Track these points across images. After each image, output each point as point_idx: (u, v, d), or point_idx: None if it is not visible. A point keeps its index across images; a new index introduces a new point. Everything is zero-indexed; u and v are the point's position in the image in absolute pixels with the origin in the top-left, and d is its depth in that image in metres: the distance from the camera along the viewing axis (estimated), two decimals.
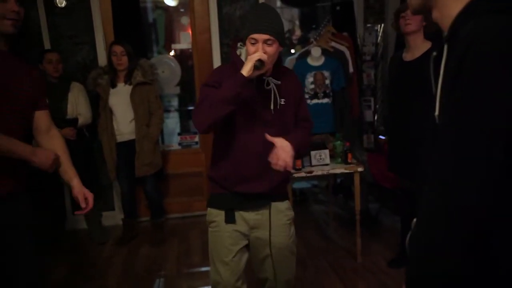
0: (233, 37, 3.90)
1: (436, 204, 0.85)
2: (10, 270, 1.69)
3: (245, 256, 1.88)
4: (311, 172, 2.88)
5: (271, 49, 1.65)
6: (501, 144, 0.77)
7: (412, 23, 2.56)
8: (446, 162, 0.84)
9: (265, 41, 1.64)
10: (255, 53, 1.63)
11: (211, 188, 1.88)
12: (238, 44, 1.83)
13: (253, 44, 1.66)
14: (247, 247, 1.88)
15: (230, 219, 1.82)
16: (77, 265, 3.27)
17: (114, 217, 4.01)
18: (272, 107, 1.76)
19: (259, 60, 1.61)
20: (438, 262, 0.82)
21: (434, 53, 0.99)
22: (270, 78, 1.75)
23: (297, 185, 4.64)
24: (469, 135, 0.79)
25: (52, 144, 1.82)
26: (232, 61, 1.82)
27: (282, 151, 1.64)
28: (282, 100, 1.78)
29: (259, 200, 1.82)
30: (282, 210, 1.88)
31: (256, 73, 1.65)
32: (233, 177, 1.79)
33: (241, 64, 1.71)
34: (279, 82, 1.77)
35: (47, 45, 3.71)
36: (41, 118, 1.80)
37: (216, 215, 1.84)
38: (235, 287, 1.85)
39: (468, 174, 0.79)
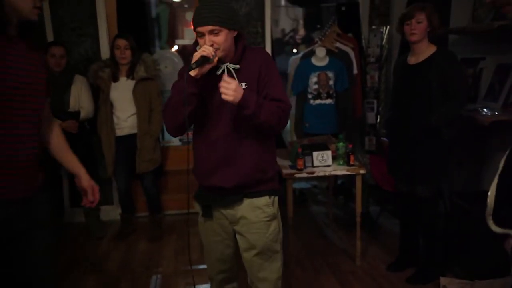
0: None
1: None
2: (29, 271, 1.64)
3: (230, 246, 1.90)
4: (312, 172, 2.86)
5: (219, 38, 1.61)
6: None
7: (417, 32, 2.55)
8: None
9: (210, 32, 1.61)
10: (203, 46, 1.61)
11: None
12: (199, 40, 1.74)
13: (200, 37, 1.64)
14: (234, 237, 1.89)
15: (206, 214, 1.86)
16: (74, 259, 3.25)
17: (112, 212, 3.99)
18: None
19: (202, 57, 1.58)
20: None
21: None
22: (227, 64, 1.70)
23: (296, 185, 4.62)
24: None
25: (53, 133, 1.76)
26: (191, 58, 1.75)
27: (235, 85, 1.57)
28: (243, 84, 1.68)
29: (230, 196, 1.78)
30: (259, 207, 1.79)
31: (206, 68, 1.62)
32: (200, 170, 1.80)
33: None
34: (238, 66, 1.70)
35: (49, 35, 3.68)
36: (47, 105, 1.73)
37: (199, 208, 1.91)
38: (218, 270, 1.93)
39: None
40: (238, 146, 1.72)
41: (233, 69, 1.70)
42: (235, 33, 1.68)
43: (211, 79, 1.68)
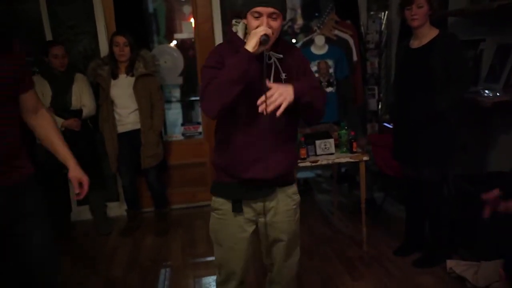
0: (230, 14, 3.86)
1: None
2: (29, 259, 1.70)
3: (252, 242, 1.88)
4: (316, 161, 2.87)
5: (276, 24, 1.58)
6: None
7: (418, 17, 2.53)
8: None
9: (269, 15, 1.57)
10: (259, 27, 1.55)
11: (217, 176, 1.82)
12: (233, 21, 1.77)
13: (256, 18, 1.58)
14: (255, 231, 1.87)
15: (237, 209, 1.77)
16: (82, 256, 3.28)
17: (118, 208, 4.02)
18: (271, 81, 1.65)
19: (265, 35, 1.53)
20: None
21: None
22: (271, 52, 1.67)
23: (301, 175, 4.63)
24: None
25: (41, 124, 1.79)
26: (229, 39, 1.75)
27: (277, 90, 1.51)
28: (284, 74, 1.70)
29: (266, 188, 1.76)
30: (289, 195, 1.84)
31: (261, 49, 1.56)
32: (238, 162, 1.71)
33: (240, 41, 1.67)
34: (281, 56, 1.69)
35: (48, 35, 3.67)
36: (28, 99, 1.74)
37: (222, 204, 1.79)
38: (241, 269, 1.86)
39: None
40: (278, 138, 1.71)
41: (277, 58, 1.69)
42: (283, 23, 1.65)
43: (256, 68, 1.63)
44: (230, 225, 1.80)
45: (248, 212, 1.80)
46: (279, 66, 1.69)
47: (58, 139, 1.80)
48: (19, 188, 1.66)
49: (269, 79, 1.65)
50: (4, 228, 1.62)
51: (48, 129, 1.79)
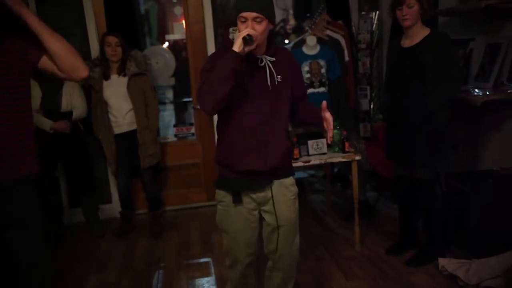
0: (225, 23, 3.84)
1: None
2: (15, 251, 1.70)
3: (256, 229, 1.99)
4: (308, 161, 2.87)
5: (260, 27, 1.71)
6: None
7: (409, 17, 2.55)
8: None
9: (254, 19, 1.70)
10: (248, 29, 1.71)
11: (219, 171, 1.98)
12: (231, 29, 1.89)
13: (243, 22, 1.72)
14: (258, 220, 2.00)
15: (237, 200, 1.91)
16: (76, 258, 3.26)
17: (111, 210, 4.00)
18: (269, 83, 1.82)
19: (248, 35, 1.66)
20: None
21: None
22: (264, 56, 1.81)
23: None
24: None
25: None
26: (225, 45, 1.86)
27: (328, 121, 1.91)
28: (279, 77, 1.84)
29: (262, 180, 1.89)
30: (286, 186, 1.95)
31: (247, 49, 1.69)
32: (233, 155, 1.86)
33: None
34: (274, 59, 1.83)
35: None
36: (46, 62, 1.74)
37: (224, 196, 1.93)
38: (247, 253, 1.98)
39: None
40: (273, 131, 1.85)
41: (270, 61, 1.82)
42: (271, 26, 1.79)
43: (251, 70, 1.80)
44: (233, 216, 1.94)
45: (249, 203, 1.92)
46: (272, 69, 1.82)
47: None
48: (10, 189, 1.64)
49: (266, 82, 1.81)
50: None
51: None
